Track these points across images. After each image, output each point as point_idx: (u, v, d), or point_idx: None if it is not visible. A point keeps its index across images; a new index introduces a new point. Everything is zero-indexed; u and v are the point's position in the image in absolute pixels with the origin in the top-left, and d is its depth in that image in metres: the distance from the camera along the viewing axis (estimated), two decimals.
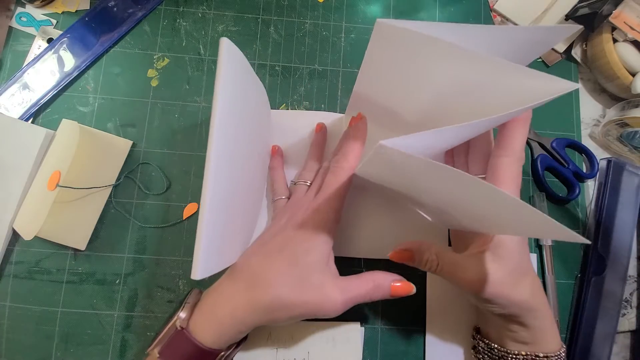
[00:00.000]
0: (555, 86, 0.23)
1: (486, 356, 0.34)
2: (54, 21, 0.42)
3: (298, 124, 0.41)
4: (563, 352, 0.31)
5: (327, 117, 0.41)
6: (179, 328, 0.30)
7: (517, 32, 0.26)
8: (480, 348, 0.34)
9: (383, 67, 0.28)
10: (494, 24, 0.46)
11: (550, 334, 0.31)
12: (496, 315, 0.31)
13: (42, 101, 0.40)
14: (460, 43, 0.22)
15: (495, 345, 0.33)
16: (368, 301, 0.30)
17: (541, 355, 0.30)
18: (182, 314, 0.30)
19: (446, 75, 0.26)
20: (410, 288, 0.31)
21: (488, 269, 0.29)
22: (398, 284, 0.31)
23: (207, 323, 0.30)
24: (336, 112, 0.42)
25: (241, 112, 0.30)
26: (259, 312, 0.29)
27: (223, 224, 0.28)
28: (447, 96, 0.27)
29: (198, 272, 0.25)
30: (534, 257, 0.40)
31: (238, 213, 0.32)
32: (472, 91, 0.26)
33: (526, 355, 0.31)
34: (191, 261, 0.32)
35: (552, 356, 0.30)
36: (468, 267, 0.29)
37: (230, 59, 0.29)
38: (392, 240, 0.38)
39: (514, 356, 0.31)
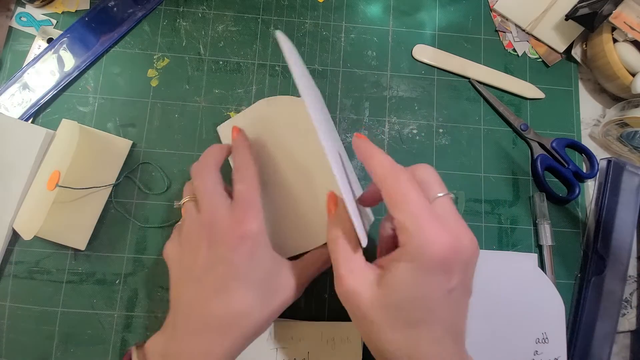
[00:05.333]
0: None
1: None
2: (54, 21, 0.42)
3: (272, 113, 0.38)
4: None
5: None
6: None
7: None
8: None
9: None
10: (494, 24, 0.46)
11: None
12: None
13: (42, 101, 0.40)
14: None
15: None
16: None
17: None
18: None
19: None
20: None
21: (365, 277, 0.25)
22: None
23: None
24: (336, 112, 0.42)
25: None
26: (238, 350, 0.28)
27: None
28: None
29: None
30: (534, 257, 0.40)
31: None
32: None
33: None
34: None
35: None
36: (354, 270, 0.25)
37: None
38: (319, 222, 0.36)
39: None
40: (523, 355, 0.37)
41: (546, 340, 0.37)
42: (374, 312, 0.24)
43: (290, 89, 0.42)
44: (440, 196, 0.25)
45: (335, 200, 0.29)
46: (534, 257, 0.40)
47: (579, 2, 0.43)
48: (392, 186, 0.24)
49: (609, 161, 0.42)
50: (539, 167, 0.41)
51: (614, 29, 0.42)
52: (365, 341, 0.26)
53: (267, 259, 0.29)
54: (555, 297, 0.38)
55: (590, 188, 0.43)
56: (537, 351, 0.37)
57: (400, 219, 0.23)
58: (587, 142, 0.44)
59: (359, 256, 0.26)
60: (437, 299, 0.23)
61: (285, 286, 0.30)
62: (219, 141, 0.40)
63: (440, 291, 0.23)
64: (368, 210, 0.37)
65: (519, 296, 0.38)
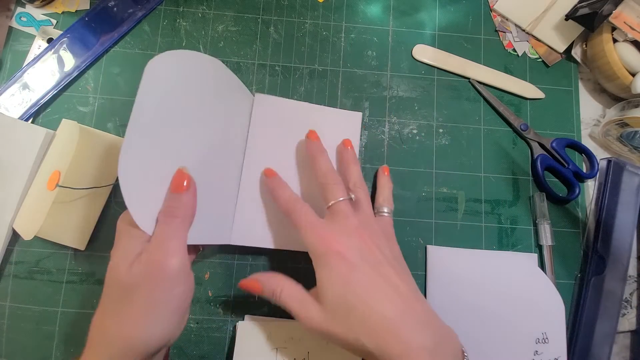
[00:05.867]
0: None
1: None
2: (54, 21, 0.42)
3: (284, 113, 0.40)
4: None
5: (314, 109, 0.41)
6: None
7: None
8: None
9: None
10: (494, 24, 0.46)
11: None
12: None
13: (42, 101, 0.40)
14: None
15: None
16: None
17: None
18: None
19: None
20: (181, 175, 0.29)
21: (309, 304, 0.29)
22: (175, 191, 0.28)
23: None
24: None
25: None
26: None
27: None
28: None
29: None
30: (534, 257, 0.40)
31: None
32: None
33: None
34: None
35: None
36: (300, 303, 0.30)
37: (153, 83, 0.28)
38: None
39: None
40: (523, 355, 0.37)
41: (546, 340, 0.37)
42: (327, 327, 0.28)
43: (290, 89, 0.42)
44: (333, 203, 0.32)
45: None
46: (534, 257, 0.40)
47: (579, 2, 0.43)
48: (292, 214, 0.32)
49: (609, 161, 0.42)
50: (539, 167, 0.42)
51: (614, 29, 0.42)
52: (352, 352, 0.28)
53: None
54: (555, 297, 0.38)
55: (590, 188, 0.43)
56: (537, 351, 0.37)
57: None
58: (587, 142, 0.44)
59: (304, 292, 0.30)
60: (352, 282, 0.28)
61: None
62: None
63: (345, 274, 0.28)
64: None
65: (519, 296, 0.38)
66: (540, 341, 0.37)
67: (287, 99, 0.41)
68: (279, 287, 0.30)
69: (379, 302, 0.27)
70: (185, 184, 0.28)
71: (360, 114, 0.41)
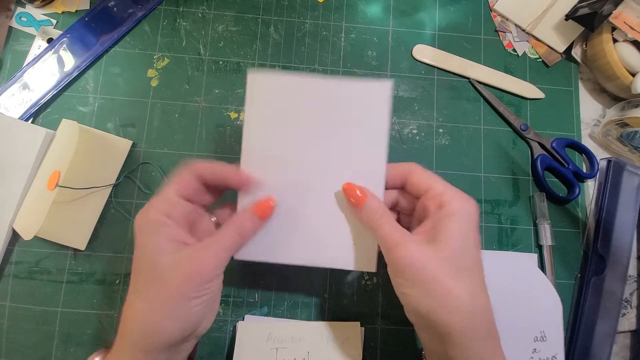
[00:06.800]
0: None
1: None
2: (54, 21, 0.42)
3: (288, 94, 0.31)
4: None
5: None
6: None
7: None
8: None
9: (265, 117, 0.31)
10: (494, 24, 0.46)
11: None
12: (420, 320, 0.27)
13: (42, 101, 0.40)
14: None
15: None
16: (241, 244, 0.29)
17: None
18: None
19: (314, 111, 0.31)
20: (268, 204, 0.30)
21: (419, 245, 0.27)
22: (258, 215, 0.29)
23: None
24: None
25: None
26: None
27: None
28: (319, 129, 0.31)
29: None
30: (534, 257, 0.40)
31: None
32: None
33: None
34: None
35: None
36: (403, 237, 0.28)
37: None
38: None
39: None
40: (522, 352, 0.37)
41: (544, 339, 0.37)
42: (433, 266, 0.27)
43: None
44: None
45: (357, 190, 0.30)
46: (534, 257, 0.40)
47: (579, 2, 0.43)
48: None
49: (609, 161, 0.42)
50: (539, 167, 0.42)
51: (614, 29, 0.42)
52: (426, 306, 0.26)
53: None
54: (553, 297, 0.38)
55: (590, 188, 0.43)
56: (535, 349, 0.37)
57: (439, 188, 0.29)
58: (587, 142, 0.44)
59: (400, 226, 0.29)
60: (477, 248, 0.28)
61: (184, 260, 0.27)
62: (220, 138, 0.41)
63: (477, 242, 0.28)
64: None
65: (518, 296, 0.39)
66: (538, 339, 0.37)
67: (290, 75, 0.31)
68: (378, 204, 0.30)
69: (477, 285, 0.29)
70: (268, 215, 0.30)
71: (389, 83, 0.30)
